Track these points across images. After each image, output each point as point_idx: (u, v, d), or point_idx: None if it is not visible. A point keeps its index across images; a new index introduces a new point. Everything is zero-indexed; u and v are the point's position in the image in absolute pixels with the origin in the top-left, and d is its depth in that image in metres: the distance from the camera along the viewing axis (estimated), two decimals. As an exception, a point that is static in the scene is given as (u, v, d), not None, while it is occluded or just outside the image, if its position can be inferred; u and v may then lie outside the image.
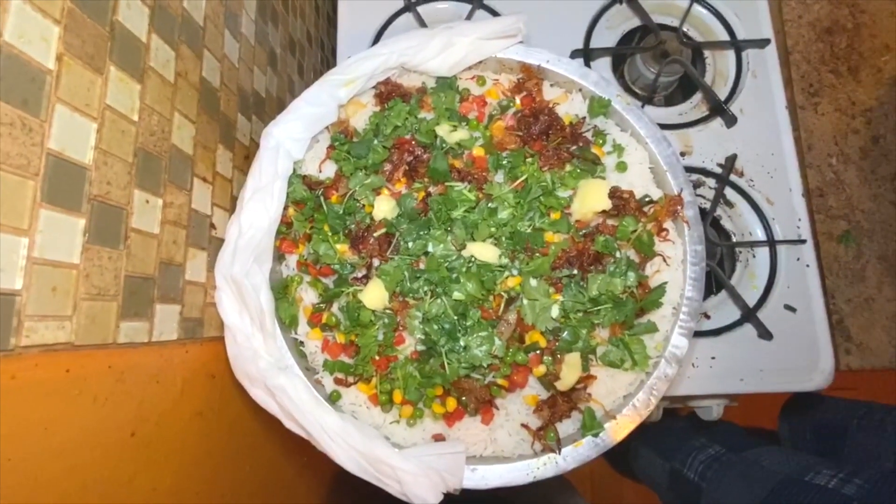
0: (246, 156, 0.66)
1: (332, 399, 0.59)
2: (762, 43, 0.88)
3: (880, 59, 0.91)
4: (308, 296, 0.61)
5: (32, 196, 0.34)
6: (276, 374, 0.54)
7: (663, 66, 0.83)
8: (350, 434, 0.53)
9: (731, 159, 0.83)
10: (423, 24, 0.88)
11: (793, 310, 0.79)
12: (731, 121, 0.85)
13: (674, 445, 0.87)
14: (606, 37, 0.90)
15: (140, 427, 0.45)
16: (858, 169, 0.87)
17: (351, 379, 0.59)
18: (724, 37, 0.90)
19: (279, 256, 0.62)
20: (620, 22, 0.92)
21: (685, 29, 0.90)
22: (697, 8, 0.91)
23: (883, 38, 0.92)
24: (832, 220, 0.86)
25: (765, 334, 0.77)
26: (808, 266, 0.81)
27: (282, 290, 0.60)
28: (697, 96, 0.89)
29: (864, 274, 0.84)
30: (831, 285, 0.83)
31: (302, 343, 0.61)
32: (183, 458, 0.51)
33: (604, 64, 0.89)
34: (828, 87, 0.91)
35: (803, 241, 0.81)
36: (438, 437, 0.58)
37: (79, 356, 0.38)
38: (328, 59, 1.08)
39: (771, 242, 0.81)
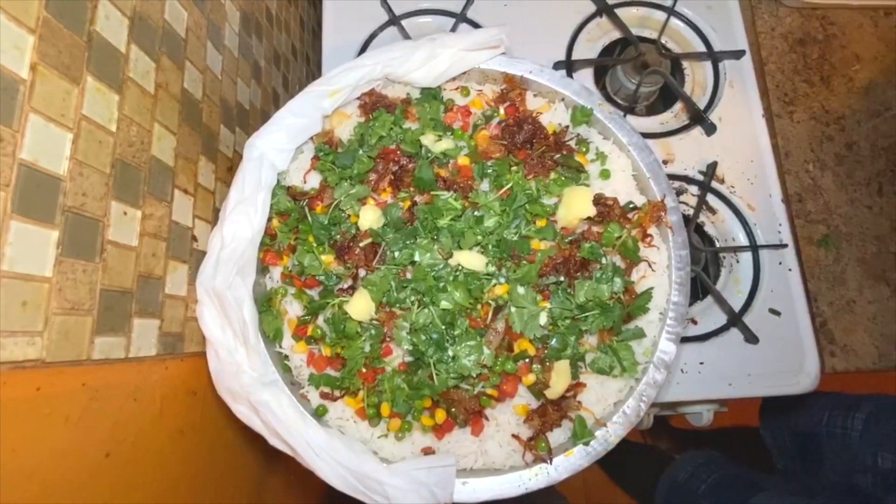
0: (229, 167, 0.65)
1: (319, 414, 0.57)
2: (738, 54, 0.90)
3: (850, 69, 0.94)
4: (293, 308, 0.60)
5: (3, 207, 0.33)
6: (260, 390, 0.52)
7: (644, 76, 0.85)
8: (337, 450, 0.52)
9: (712, 166, 0.85)
10: (407, 37, 0.89)
11: (777, 313, 0.80)
12: (710, 129, 0.86)
13: None
14: (587, 49, 0.92)
15: (116, 447, 0.43)
16: (835, 174, 0.90)
17: (337, 393, 0.58)
18: (702, 48, 0.93)
19: (263, 269, 0.61)
20: (600, 35, 0.94)
21: (663, 41, 0.92)
22: (675, 21, 0.94)
23: (853, 49, 0.95)
24: (811, 225, 0.88)
25: (751, 338, 0.78)
26: (790, 270, 0.82)
27: (266, 303, 0.59)
28: (677, 106, 0.91)
29: (845, 277, 0.85)
30: (813, 289, 0.84)
31: (287, 357, 0.60)
32: (162, 479, 0.49)
33: (586, 75, 0.91)
34: (802, 96, 0.93)
35: (785, 246, 0.82)
36: (428, 451, 0.57)
37: (50, 374, 0.36)
38: (313, 73, 1.08)
39: (753, 247, 0.82)
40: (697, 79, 0.93)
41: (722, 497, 0.84)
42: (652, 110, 0.95)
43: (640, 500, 1.14)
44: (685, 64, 0.94)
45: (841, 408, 0.83)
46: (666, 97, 0.94)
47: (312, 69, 1.07)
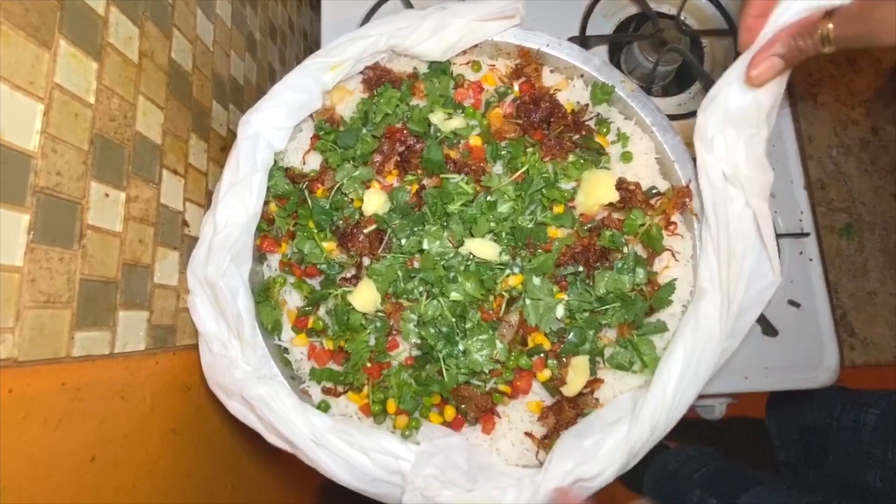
0: (222, 147, 0.60)
1: (321, 410, 0.54)
2: (761, 31, 0.85)
3: (878, 49, 0.90)
4: (292, 299, 0.57)
5: (-39, 187, 0.29)
6: (255, 384, 0.49)
7: (662, 54, 0.80)
8: (345, 431, 0.48)
9: (733, 151, 0.81)
10: (411, 8, 0.83)
11: (797, 305, 0.77)
12: (731, 111, 0.82)
13: (674, 499, 0.88)
14: (602, 25, 0.87)
15: (102, 450, 0.39)
16: (858, 160, 0.86)
17: (340, 388, 0.55)
18: (723, 25, 0.88)
19: (260, 256, 0.58)
20: (616, 10, 0.88)
21: (683, 17, 0.87)
22: (695, -5, 0.88)
23: (881, 28, 0.90)
24: (833, 213, 0.84)
25: (769, 330, 0.75)
26: (811, 260, 0.79)
27: (263, 293, 0.55)
28: (696, 86, 0.87)
29: (867, 268, 0.82)
30: (834, 280, 0.81)
31: (286, 350, 0.57)
32: (154, 481, 0.46)
33: (601, 52, 0.86)
34: (827, 77, 0.89)
35: (806, 235, 0.79)
36: (436, 449, 0.54)
37: (24, 373, 0.33)
38: (311, 49, 1.02)
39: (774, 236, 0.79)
40: (717, 57, 0.88)
41: (716, 487, 0.83)
42: (667, 91, 0.90)
43: (630, 486, 1.14)
44: (704, 42, 0.89)
45: (854, 402, 0.81)
46: (682, 77, 0.89)
47: (310, 45, 1.02)
